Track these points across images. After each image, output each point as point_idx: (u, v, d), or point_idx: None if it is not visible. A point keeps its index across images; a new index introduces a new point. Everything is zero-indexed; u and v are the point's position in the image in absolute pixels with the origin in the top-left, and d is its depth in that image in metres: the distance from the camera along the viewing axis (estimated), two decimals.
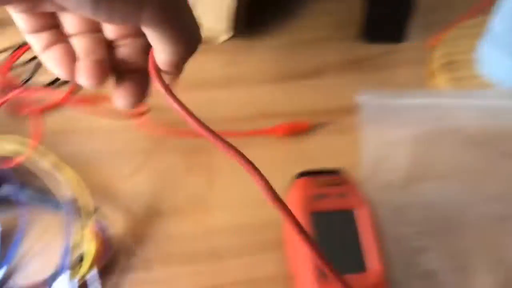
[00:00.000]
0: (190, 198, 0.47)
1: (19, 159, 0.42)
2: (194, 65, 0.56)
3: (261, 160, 0.50)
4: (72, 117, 0.52)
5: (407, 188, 0.46)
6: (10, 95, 0.45)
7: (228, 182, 0.48)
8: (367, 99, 0.52)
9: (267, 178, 0.46)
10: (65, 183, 0.41)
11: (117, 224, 0.44)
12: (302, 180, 0.41)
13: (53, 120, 0.52)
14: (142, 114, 0.48)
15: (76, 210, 0.41)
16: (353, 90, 0.54)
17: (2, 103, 0.45)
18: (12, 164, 0.42)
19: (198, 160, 0.50)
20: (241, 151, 0.49)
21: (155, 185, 0.48)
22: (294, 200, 0.40)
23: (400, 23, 0.56)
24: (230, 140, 0.30)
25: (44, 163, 0.41)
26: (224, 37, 0.54)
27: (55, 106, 0.52)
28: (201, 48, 0.57)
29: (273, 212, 0.46)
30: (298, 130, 0.51)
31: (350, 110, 0.52)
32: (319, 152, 0.50)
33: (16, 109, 0.51)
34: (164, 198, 0.47)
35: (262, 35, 0.59)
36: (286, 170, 0.48)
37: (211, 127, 0.50)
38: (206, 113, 0.53)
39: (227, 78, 0.55)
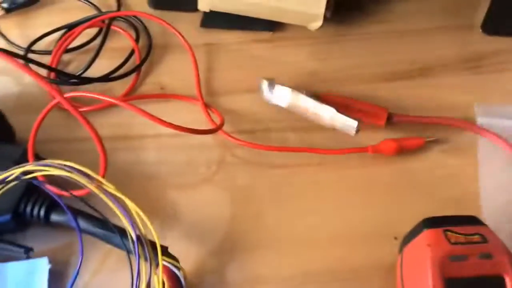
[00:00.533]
0: (277, 228, 0.39)
1: (78, 192, 0.34)
2: (276, 55, 0.48)
3: (363, 184, 0.42)
4: (130, 119, 0.43)
5: None
6: (68, 94, 0.36)
7: (323, 209, 0.40)
8: (487, 118, 0.42)
9: (370, 207, 0.38)
10: (127, 215, 0.33)
11: (188, 260, 0.36)
12: (433, 232, 0.32)
13: (108, 122, 0.43)
14: (218, 127, 0.39)
15: (141, 247, 0.33)
16: (472, 98, 0.44)
17: (54, 105, 0.37)
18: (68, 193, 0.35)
19: (284, 180, 0.41)
20: (337, 171, 0.40)
21: (233, 210, 0.40)
22: (422, 258, 0.31)
23: None
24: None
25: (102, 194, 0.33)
26: (317, 23, 0.44)
27: (110, 105, 0.43)
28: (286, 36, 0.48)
29: (379, 255, 0.38)
30: (409, 148, 0.41)
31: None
32: (433, 177, 0.41)
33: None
34: (245, 227, 0.39)
35: (355, 21, 0.48)
36: (394, 199, 0.40)
37: (291, 136, 0.42)
38: (287, 115, 0.45)
39: (313, 73, 0.46)
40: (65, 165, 0.33)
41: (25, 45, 0.47)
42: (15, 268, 0.35)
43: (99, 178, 0.33)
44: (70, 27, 0.47)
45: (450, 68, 0.45)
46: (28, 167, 0.33)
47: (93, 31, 0.48)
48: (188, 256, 0.38)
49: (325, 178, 0.41)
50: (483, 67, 0.45)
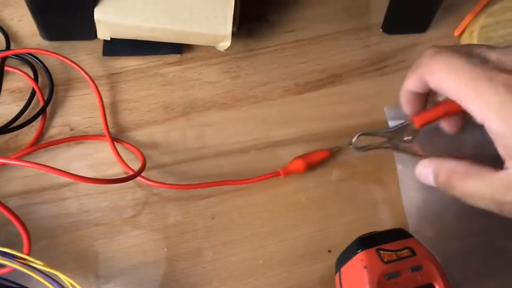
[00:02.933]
0: (216, 261, 0.39)
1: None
2: (187, 78, 0.46)
3: (287, 205, 0.42)
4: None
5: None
6: None
7: (256, 235, 0.40)
8: (397, 121, 0.43)
9: (299, 226, 0.38)
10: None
11: None
12: (367, 254, 0.33)
13: (18, 176, 0.40)
14: (138, 172, 0.38)
15: None
16: (383, 99, 0.46)
17: None
18: None
19: (214, 210, 0.41)
20: (260, 194, 0.40)
21: (169, 250, 0.39)
22: (360, 280, 0.32)
23: (429, 9, 0.47)
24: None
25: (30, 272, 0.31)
26: (226, 43, 0.43)
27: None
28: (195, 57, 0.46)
29: (317, 270, 0.40)
30: (316, 162, 0.42)
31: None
32: (351, 184, 0.42)
33: None
34: (184, 265, 0.39)
35: (262, 34, 0.48)
36: (320, 214, 0.41)
37: (210, 164, 0.42)
38: (203, 142, 0.44)
39: (226, 92, 0.45)
40: None
41: None
42: None
43: (25, 256, 0.30)
44: None
45: (359, 72, 0.47)
46: None
47: None
48: None
49: (252, 203, 0.41)
50: (389, 67, 0.47)
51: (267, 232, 0.40)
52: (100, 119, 0.42)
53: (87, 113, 0.43)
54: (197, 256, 0.39)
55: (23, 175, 0.40)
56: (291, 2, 0.49)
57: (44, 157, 0.41)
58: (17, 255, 0.31)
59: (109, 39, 0.43)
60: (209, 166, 0.42)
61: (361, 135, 0.40)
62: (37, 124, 0.42)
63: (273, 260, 0.39)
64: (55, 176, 0.39)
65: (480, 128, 0.30)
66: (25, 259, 0.31)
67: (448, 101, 0.34)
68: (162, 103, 0.44)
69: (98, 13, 0.41)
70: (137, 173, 0.37)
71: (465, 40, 0.49)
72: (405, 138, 0.38)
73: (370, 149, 0.39)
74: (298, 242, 0.40)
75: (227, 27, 0.42)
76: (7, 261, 0.30)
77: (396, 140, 0.38)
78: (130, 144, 0.41)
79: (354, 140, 0.39)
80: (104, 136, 0.41)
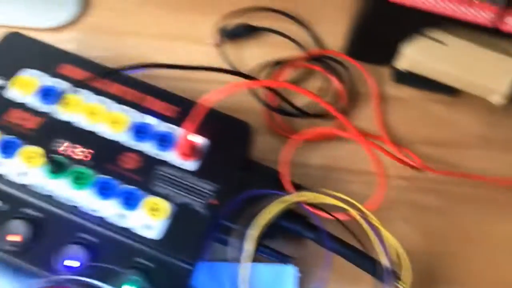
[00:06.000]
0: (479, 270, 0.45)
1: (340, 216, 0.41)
2: (449, 118, 0.55)
3: None
4: (337, 152, 0.50)
5: None
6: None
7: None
8: None
9: None
10: (385, 251, 0.38)
11: None
12: None
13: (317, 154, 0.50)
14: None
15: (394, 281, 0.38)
16: None
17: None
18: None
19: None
20: None
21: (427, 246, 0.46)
22: None
23: None
24: None
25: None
26: (499, 99, 0.51)
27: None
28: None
29: None
30: None
31: None
32: None
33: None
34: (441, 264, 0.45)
35: None
36: None
37: None
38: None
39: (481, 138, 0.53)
40: (339, 196, 0.40)
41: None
42: (264, 270, 0.41)
43: (366, 211, 0.39)
44: (279, 62, 0.54)
45: None
46: (307, 195, 0.40)
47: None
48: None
49: None
50: None
51: None
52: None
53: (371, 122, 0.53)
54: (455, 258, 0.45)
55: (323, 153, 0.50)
56: None
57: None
58: (360, 208, 0.39)
59: (404, 71, 0.53)
60: None
61: None
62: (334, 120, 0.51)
63: None
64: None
65: None
66: (365, 213, 0.39)
67: None
68: (426, 130, 0.53)
69: (409, 49, 0.51)
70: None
71: None
72: None
73: None
74: None
75: (503, 84, 0.50)
76: (355, 212, 0.39)
77: None
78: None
79: None
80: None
